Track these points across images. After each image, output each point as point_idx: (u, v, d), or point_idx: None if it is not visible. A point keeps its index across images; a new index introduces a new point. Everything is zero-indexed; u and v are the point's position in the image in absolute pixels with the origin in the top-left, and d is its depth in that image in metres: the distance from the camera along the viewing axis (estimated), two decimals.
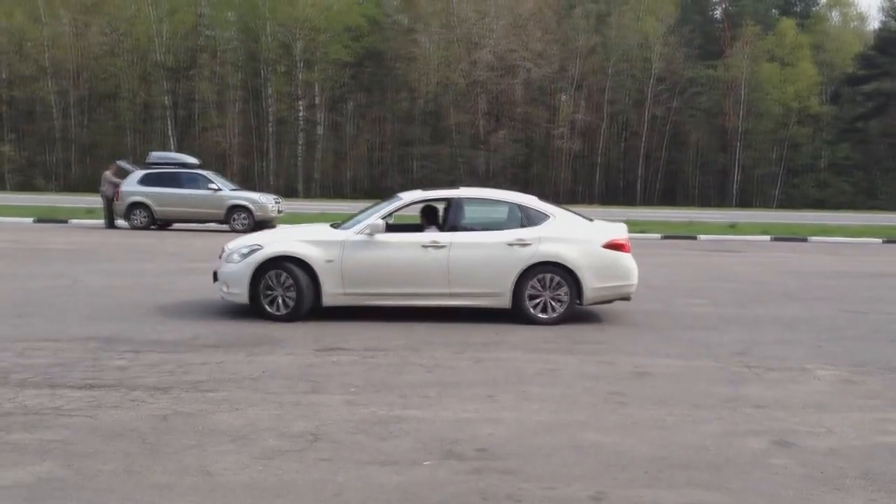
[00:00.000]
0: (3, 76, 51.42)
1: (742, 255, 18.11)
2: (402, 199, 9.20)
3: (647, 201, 53.57)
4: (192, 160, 21.88)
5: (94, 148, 53.99)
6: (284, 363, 6.51)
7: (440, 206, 9.37)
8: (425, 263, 8.61)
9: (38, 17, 51.75)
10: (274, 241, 8.90)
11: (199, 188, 20.12)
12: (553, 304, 8.63)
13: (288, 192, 44.46)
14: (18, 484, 3.88)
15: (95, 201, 24.34)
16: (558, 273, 8.58)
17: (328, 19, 51.19)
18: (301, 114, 53.56)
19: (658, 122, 55.40)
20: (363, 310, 8.70)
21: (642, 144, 55.48)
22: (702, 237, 22.20)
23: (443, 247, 8.61)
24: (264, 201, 20.64)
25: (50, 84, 51.96)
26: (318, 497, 3.85)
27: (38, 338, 7.18)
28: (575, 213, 9.48)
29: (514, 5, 52.27)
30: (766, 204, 54.82)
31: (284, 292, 8.57)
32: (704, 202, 53.93)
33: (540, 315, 8.60)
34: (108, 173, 20.50)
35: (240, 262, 8.69)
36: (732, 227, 25.16)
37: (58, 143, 52.94)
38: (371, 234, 8.66)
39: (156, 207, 19.79)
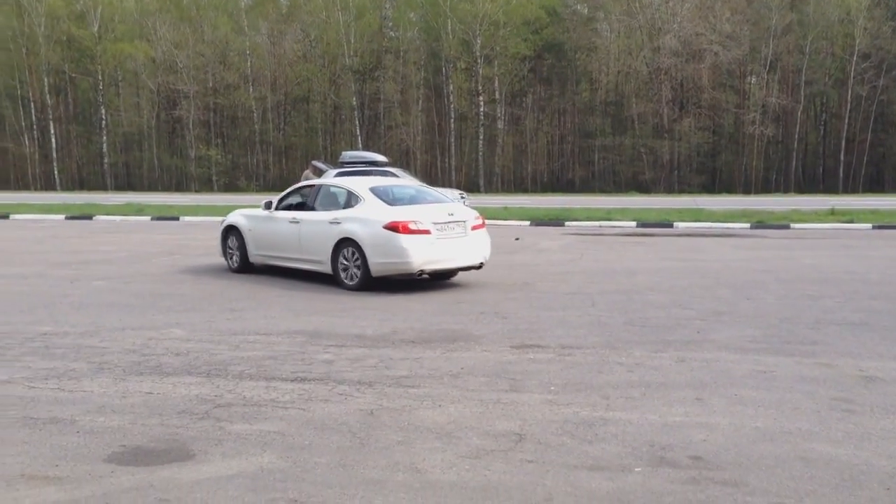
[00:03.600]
0: (210, 85, 55.48)
1: None
2: (291, 188, 12.04)
3: (851, 188, 49.60)
4: (382, 158, 22.52)
5: (289, 149, 57.19)
6: (481, 360, 6.49)
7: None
8: (290, 234, 11.13)
9: (241, 29, 55.42)
10: (232, 215, 12.39)
11: None
12: (355, 273, 10.25)
13: (469, 186, 45.07)
14: (242, 473, 4.06)
15: None
16: (355, 248, 10.19)
17: (507, 13, 51.25)
18: (481, 109, 54.00)
19: (862, 102, 51.10)
20: (555, 303, 8.58)
21: (844, 127, 51.45)
22: None
23: (297, 222, 11.05)
24: (451, 197, 20.89)
25: (250, 91, 55.55)
26: (527, 501, 3.76)
27: (250, 331, 7.60)
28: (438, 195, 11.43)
29: None
30: None
31: (235, 252, 12.03)
32: None
33: (346, 282, 10.34)
34: (307, 172, 21.53)
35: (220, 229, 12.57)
36: None
37: (257, 146, 56.51)
38: (269, 210, 11.58)
39: None
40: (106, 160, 57.22)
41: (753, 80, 54.03)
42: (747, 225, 20.26)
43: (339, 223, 10.41)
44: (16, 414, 4.97)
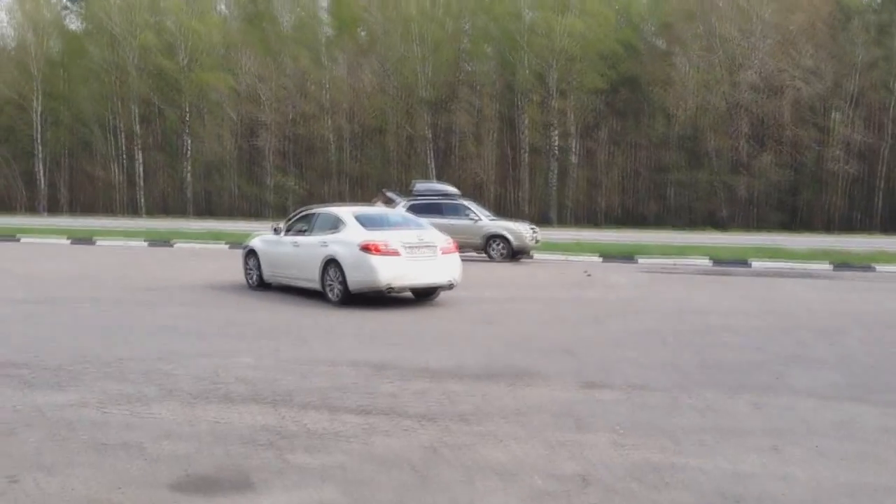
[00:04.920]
0: (290, 116, 56.89)
1: None
2: (295, 214, 13.76)
3: None
4: (453, 190, 22.66)
5: (363, 179, 58.00)
6: (547, 397, 6.38)
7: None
8: (292, 256, 12.54)
9: (320, 61, 56.79)
10: (252, 239, 13.92)
11: (459, 217, 20.75)
12: (339, 290, 11.49)
13: (541, 220, 44.81)
14: None
15: None
16: (337, 267, 11.46)
17: (584, 48, 51.22)
18: (555, 142, 53.89)
19: None
20: (625, 341, 8.38)
21: None
22: None
23: (298, 245, 12.48)
24: (521, 230, 20.86)
25: (328, 121, 56.72)
26: None
27: (317, 360, 7.64)
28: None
29: (783, 21, 49.03)
30: None
31: (254, 271, 13.45)
32: None
33: (331, 297, 11.60)
34: (376, 202, 21.81)
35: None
36: None
37: (333, 175, 57.51)
38: (277, 234, 13.11)
39: None
40: (188, 187, 59.04)
41: (837, 116, 52.54)
42: (829, 265, 19.58)
43: (326, 245, 11.79)
44: (86, 437, 5.07)
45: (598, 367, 7.62)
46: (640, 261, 20.72)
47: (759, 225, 47.21)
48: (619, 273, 17.68)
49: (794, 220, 50.17)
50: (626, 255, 21.48)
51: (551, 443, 5.16)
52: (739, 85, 49.15)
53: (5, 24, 63.22)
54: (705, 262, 20.38)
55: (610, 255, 21.65)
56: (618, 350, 8.49)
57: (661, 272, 18.18)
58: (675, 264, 20.22)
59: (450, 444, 5.08)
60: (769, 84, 48.79)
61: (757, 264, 19.87)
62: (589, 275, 17.07)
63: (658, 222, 51.30)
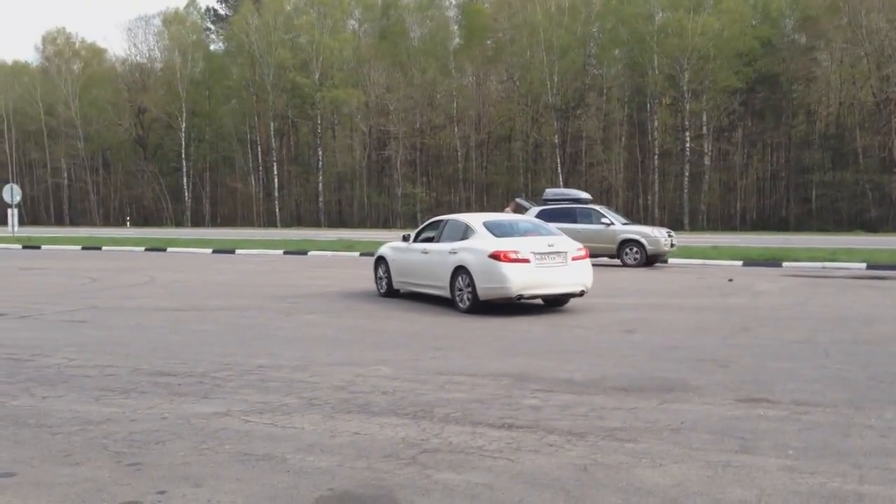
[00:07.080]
0: (417, 126, 57.69)
1: None
2: (422, 225, 13.65)
3: None
4: (585, 195, 22.15)
5: (490, 187, 58.07)
6: (703, 413, 5.90)
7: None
8: (422, 263, 12.56)
9: (448, 72, 57.32)
10: (383, 247, 14.15)
11: (591, 223, 20.26)
12: (468, 297, 11.40)
13: (673, 224, 43.42)
14: None
15: None
16: (467, 274, 11.39)
17: (718, 46, 49.35)
18: (687, 145, 52.15)
19: None
20: (782, 352, 7.76)
21: None
22: None
23: (426, 253, 12.48)
24: (657, 235, 20.12)
25: (455, 130, 57.11)
26: None
27: (455, 371, 7.43)
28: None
29: None
30: None
31: (384, 278, 13.67)
32: None
33: (459, 305, 11.58)
34: (508, 210, 21.58)
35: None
36: None
37: (460, 183, 57.88)
38: (406, 243, 13.23)
39: None
40: (321, 198, 60.82)
41: None
42: None
43: (455, 253, 11.74)
44: (231, 449, 5.03)
45: (754, 380, 7.04)
46: (787, 266, 19.54)
47: None
48: (764, 279, 16.70)
49: None
50: (771, 260, 20.32)
51: (714, 465, 4.72)
52: (889, 79, 46.02)
53: (154, 48, 67.16)
54: (860, 266, 18.98)
55: (752, 259, 20.55)
56: (774, 362, 7.86)
57: (812, 277, 17.04)
58: (825, 269, 18.94)
59: (602, 464, 4.73)
60: None
61: None
62: (731, 281, 16.20)
63: (800, 225, 48.74)
